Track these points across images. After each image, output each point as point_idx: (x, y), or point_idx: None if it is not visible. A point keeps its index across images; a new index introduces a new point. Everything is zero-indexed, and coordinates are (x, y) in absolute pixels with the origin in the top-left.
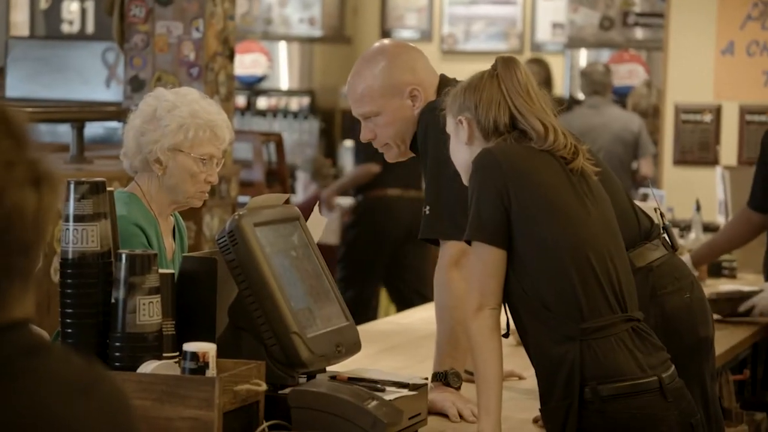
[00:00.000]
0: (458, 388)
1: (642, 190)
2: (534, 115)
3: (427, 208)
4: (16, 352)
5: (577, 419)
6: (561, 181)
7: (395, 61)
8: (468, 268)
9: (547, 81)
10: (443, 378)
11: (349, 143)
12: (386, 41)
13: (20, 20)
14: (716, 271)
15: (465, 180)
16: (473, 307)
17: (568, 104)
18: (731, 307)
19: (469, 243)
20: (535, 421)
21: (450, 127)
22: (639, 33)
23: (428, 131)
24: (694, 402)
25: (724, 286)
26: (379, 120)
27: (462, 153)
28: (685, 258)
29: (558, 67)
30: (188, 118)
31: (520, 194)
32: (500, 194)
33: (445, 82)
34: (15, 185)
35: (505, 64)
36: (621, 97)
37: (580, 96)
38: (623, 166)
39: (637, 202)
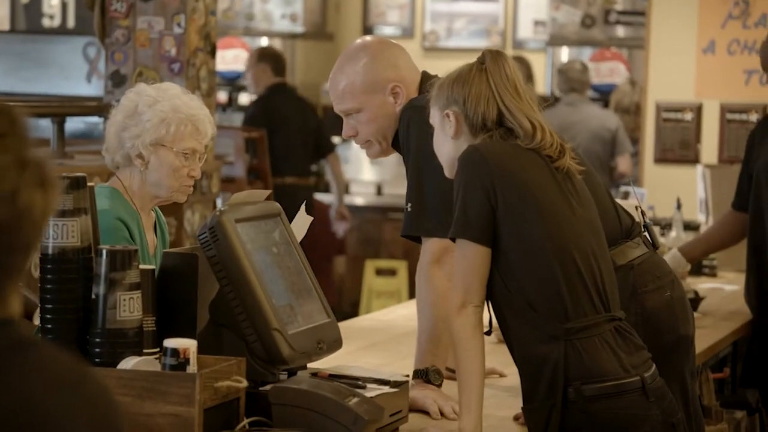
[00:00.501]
0: (439, 386)
1: (623, 188)
2: (522, 113)
3: (409, 205)
4: (6, 347)
5: (560, 419)
6: (546, 180)
7: (377, 57)
8: (452, 265)
9: (528, 79)
10: (424, 375)
11: (333, 139)
12: (368, 38)
13: (1, 14)
14: (697, 269)
15: (447, 173)
16: (456, 305)
17: (552, 101)
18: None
19: (453, 240)
20: (516, 418)
21: (435, 119)
22: (621, 31)
23: (410, 128)
24: (675, 400)
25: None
26: (360, 117)
27: (447, 147)
28: (672, 253)
29: (540, 65)
30: (170, 113)
31: (506, 192)
32: (486, 192)
33: (427, 79)
34: (27, 186)
35: (494, 58)
36: (603, 94)
37: None
38: (601, 164)
39: (619, 201)
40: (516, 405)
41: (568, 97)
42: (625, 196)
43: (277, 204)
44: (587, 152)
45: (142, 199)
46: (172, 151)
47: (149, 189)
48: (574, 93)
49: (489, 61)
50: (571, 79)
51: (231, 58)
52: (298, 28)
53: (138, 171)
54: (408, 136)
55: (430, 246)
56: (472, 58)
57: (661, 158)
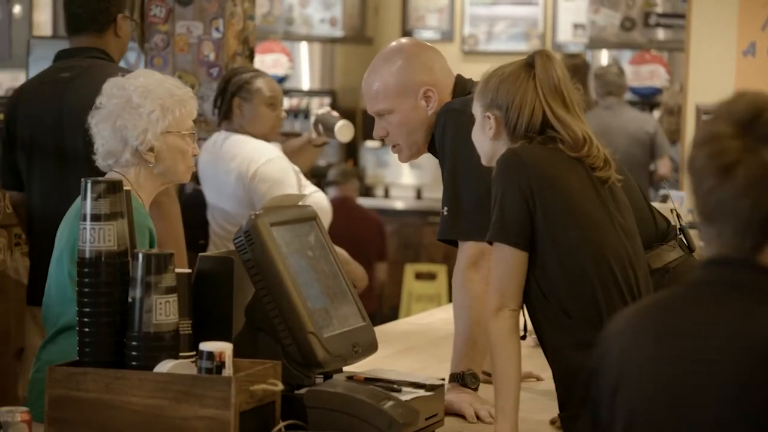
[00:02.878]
0: (476, 389)
1: (662, 191)
2: (569, 124)
3: (445, 209)
4: None
5: None
6: (585, 186)
7: (412, 60)
8: (489, 269)
9: (582, 82)
10: (460, 379)
11: (371, 144)
12: (405, 40)
13: (43, 20)
14: None
15: (485, 162)
16: (493, 308)
17: (593, 104)
18: None
19: (490, 243)
20: (553, 422)
21: (477, 113)
22: (660, 34)
23: (446, 131)
24: None
25: None
26: (391, 118)
27: (485, 142)
28: None
29: None
30: (167, 98)
31: (544, 198)
32: (525, 196)
33: (461, 83)
34: None
35: (544, 64)
36: (642, 98)
37: None
38: (640, 168)
39: (655, 204)
40: (552, 408)
41: (605, 100)
42: (664, 199)
43: (312, 208)
44: (626, 156)
45: (149, 191)
46: (179, 135)
47: (157, 179)
48: (612, 96)
49: (539, 67)
50: (609, 83)
51: (271, 63)
52: (338, 33)
53: (145, 165)
54: (444, 140)
55: (467, 250)
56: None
57: None
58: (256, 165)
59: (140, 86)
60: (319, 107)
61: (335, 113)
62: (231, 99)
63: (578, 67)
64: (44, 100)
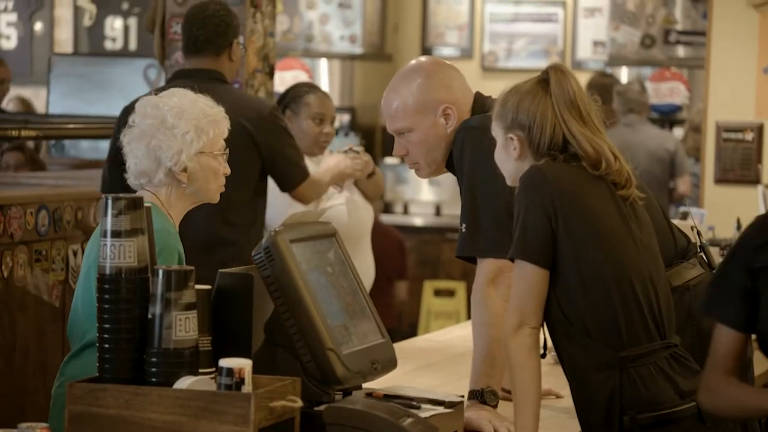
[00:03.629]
0: (495, 406)
1: (682, 209)
2: (585, 138)
3: (463, 225)
4: None
5: None
6: (608, 205)
7: (431, 78)
8: (507, 286)
9: (606, 98)
10: (479, 396)
11: (390, 160)
12: (423, 58)
13: (64, 37)
14: None
15: (510, 183)
16: (513, 326)
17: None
18: None
19: (512, 260)
20: None
21: (498, 136)
22: (680, 51)
23: (464, 149)
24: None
25: None
26: (411, 137)
27: (510, 165)
28: None
29: None
30: (201, 119)
31: (567, 216)
32: (548, 214)
33: (480, 100)
34: None
35: (558, 78)
36: (662, 115)
37: None
38: (660, 185)
39: (676, 221)
40: (572, 426)
41: (626, 118)
42: (684, 216)
43: (332, 224)
44: (646, 173)
45: (178, 210)
46: (212, 155)
47: (188, 198)
48: (633, 114)
49: (553, 82)
50: (630, 100)
51: (290, 80)
52: (357, 50)
53: (177, 184)
54: (462, 157)
55: (485, 267)
56: None
57: (722, 178)
58: None
59: (175, 106)
60: (338, 124)
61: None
62: (283, 111)
63: (609, 87)
64: None
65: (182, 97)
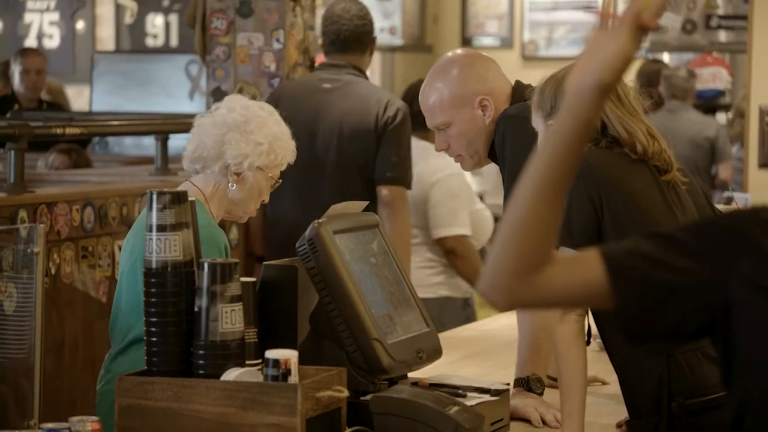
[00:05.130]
0: (541, 394)
1: (726, 194)
2: (620, 121)
3: None
4: None
5: None
6: (652, 191)
7: (465, 71)
8: None
9: (652, 82)
10: (525, 383)
11: None
12: (458, 51)
13: (106, 35)
14: None
15: None
16: (559, 313)
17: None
18: None
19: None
20: (619, 426)
21: (539, 125)
22: (722, 36)
23: (505, 137)
24: None
25: None
26: (450, 131)
27: None
28: None
29: None
30: (275, 140)
31: (612, 203)
32: (592, 201)
33: (519, 89)
34: None
35: None
36: (704, 100)
37: None
38: (700, 171)
39: (720, 206)
40: (618, 413)
41: (670, 103)
42: (729, 201)
43: (375, 215)
44: (685, 159)
45: (217, 211)
46: (266, 176)
47: (227, 203)
48: (676, 100)
49: None
50: (674, 86)
51: None
52: (397, 41)
53: (225, 185)
54: (503, 146)
55: None
56: None
57: (765, 163)
58: (440, 174)
59: (261, 117)
60: None
61: None
62: None
63: (660, 73)
64: (302, 105)
65: (270, 113)
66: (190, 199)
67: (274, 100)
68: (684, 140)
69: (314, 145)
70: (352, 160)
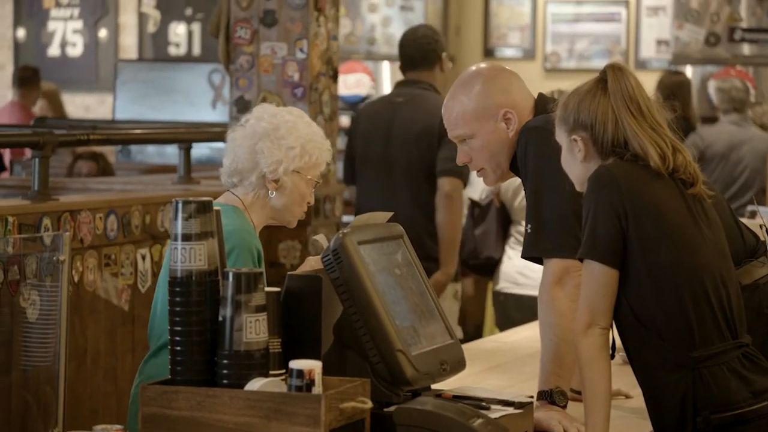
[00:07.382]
0: (564, 407)
1: (750, 207)
2: (642, 135)
3: (529, 226)
4: None
5: None
6: (678, 204)
7: (489, 84)
8: (574, 286)
9: (682, 97)
10: (549, 396)
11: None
12: (482, 64)
13: (129, 43)
14: None
15: (578, 188)
16: (583, 326)
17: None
18: None
19: (581, 260)
20: None
21: (562, 140)
22: (746, 49)
23: (528, 149)
24: None
25: None
26: (473, 143)
27: (576, 168)
28: None
29: None
30: (308, 141)
31: (637, 215)
32: (617, 214)
33: (542, 101)
34: None
35: (615, 76)
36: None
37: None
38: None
39: (744, 220)
40: (643, 426)
41: (729, 116)
42: (752, 215)
43: (400, 226)
44: (754, 173)
45: (258, 220)
46: (305, 179)
47: (269, 211)
48: (736, 113)
49: (611, 80)
50: (734, 99)
51: (353, 83)
52: None
53: (264, 193)
54: (526, 158)
55: (551, 267)
56: None
57: None
58: None
59: (290, 121)
60: None
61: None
62: None
63: (682, 84)
64: (379, 117)
65: (299, 117)
66: (216, 208)
67: (358, 114)
68: (754, 153)
69: (388, 151)
70: (419, 160)
